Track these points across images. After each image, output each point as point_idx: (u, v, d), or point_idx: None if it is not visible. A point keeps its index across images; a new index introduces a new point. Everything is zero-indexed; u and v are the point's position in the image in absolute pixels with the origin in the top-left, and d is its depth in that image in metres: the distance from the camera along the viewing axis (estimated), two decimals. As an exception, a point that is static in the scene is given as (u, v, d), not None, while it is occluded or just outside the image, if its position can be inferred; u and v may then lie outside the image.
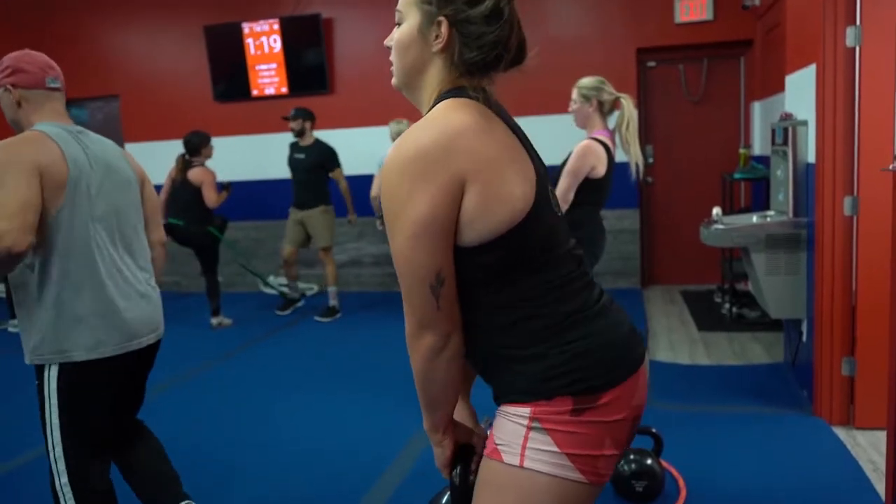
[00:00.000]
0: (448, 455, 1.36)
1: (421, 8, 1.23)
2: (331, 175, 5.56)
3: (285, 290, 6.50)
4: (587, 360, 1.19)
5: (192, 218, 5.29)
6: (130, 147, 7.02)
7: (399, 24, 1.27)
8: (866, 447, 2.91)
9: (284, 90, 6.61)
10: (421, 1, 1.23)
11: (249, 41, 6.57)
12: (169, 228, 5.12)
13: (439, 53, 1.24)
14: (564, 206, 3.06)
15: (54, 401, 1.95)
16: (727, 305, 5.15)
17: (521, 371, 1.21)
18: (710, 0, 5.77)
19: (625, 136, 3.01)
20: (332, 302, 5.70)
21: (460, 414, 1.44)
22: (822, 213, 3.09)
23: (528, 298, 1.20)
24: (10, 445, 3.33)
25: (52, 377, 1.95)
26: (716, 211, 3.74)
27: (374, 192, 5.62)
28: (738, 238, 3.52)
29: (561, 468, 1.18)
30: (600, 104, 3.10)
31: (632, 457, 2.55)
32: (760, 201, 5.16)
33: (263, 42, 6.55)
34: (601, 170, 3.03)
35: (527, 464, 1.19)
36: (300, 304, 6.00)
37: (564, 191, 3.04)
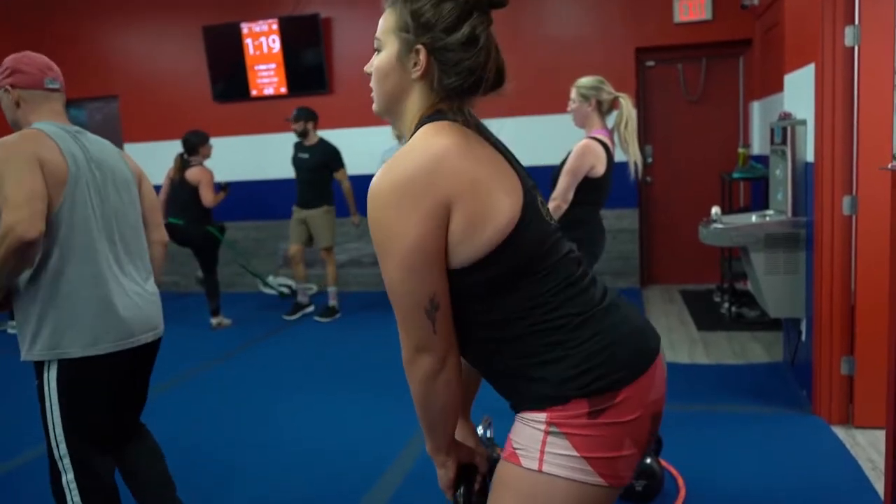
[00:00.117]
0: (451, 476, 1.36)
1: (399, 36, 1.24)
2: (335, 175, 5.56)
3: (285, 290, 6.51)
4: (599, 360, 1.19)
5: (191, 217, 5.29)
6: (130, 147, 7.02)
7: (378, 52, 1.29)
8: (865, 446, 2.92)
9: (283, 90, 6.62)
10: (399, 29, 1.24)
11: (248, 41, 6.57)
12: (169, 228, 5.12)
13: (418, 80, 1.25)
14: (564, 206, 3.06)
15: (55, 398, 1.96)
16: (726, 305, 5.15)
17: (535, 379, 1.20)
18: (708, 0, 5.78)
19: (623, 136, 3.01)
20: (332, 302, 5.70)
21: (461, 433, 1.45)
22: (820, 213, 3.10)
23: (531, 308, 1.20)
24: (10, 445, 3.33)
25: (51, 376, 1.96)
26: (715, 210, 3.74)
27: None
28: (738, 237, 3.52)
29: (580, 472, 1.18)
30: (599, 103, 3.10)
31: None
32: (759, 201, 5.16)
33: (262, 42, 6.55)
34: (600, 169, 3.03)
35: (545, 468, 1.19)
36: (309, 309, 5.93)
37: (564, 190, 3.04)
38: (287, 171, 5.91)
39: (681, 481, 2.65)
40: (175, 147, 5.56)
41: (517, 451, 1.22)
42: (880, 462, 2.73)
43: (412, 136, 1.23)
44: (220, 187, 5.53)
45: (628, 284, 6.20)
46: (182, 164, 5.38)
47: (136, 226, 2.14)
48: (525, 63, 6.07)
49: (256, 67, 6.63)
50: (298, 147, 5.63)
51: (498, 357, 1.24)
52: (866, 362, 3.02)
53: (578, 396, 1.18)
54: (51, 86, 2.01)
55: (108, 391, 2.06)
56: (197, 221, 5.32)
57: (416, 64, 1.24)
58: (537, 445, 1.19)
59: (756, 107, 5.76)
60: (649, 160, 6.28)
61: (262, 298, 6.59)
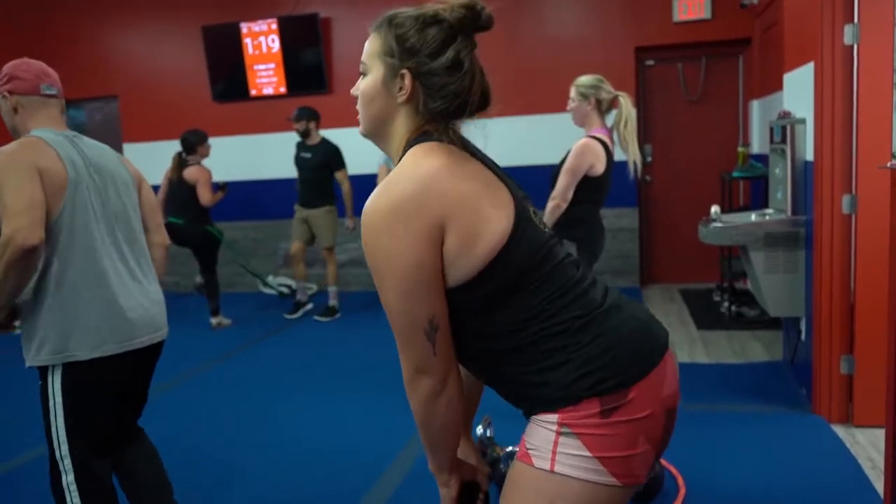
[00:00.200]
0: (454, 495, 1.37)
1: (384, 60, 1.26)
2: (335, 176, 5.54)
3: (284, 290, 6.51)
4: (606, 358, 1.19)
5: (190, 217, 5.28)
6: (129, 147, 7.02)
7: (363, 75, 1.30)
8: (865, 445, 2.92)
9: (283, 90, 6.61)
10: (384, 53, 1.26)
11: (248, 41, 6.57)
12: (168, 228, 5.11)
13: (404, 104, 1.26)
14: (564, 205, 3.06)
15: (59, 400, 1.97)
16: (726, 304, 5.15)
17: (542, 384, 1.21)
18: (708, -1, 5.79)
19: (623, 135, 3.01)
20: (332, 302, 5.70)
21: (462, 451, 1.45)
22: (820, 211, 3.10)
23: (533, 316, 1.20)
24: (10, 445, 3.33)
25: (56, 378, 1.97)
26: (714, 209, 3.74)
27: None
28: (737, 236, 3.52)
29: (593, 473, 1.18)
30: (598, 102, 3.10)
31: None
32: (759, 200, 5.16)
33: (262, 42, 6.54)
34: (600, 168, 3.03)
35: (558, 468, 1.19)
36: (309, 306, 5.95)
37: (563, 189, 3.04)
38: (286, 171, 5.91)
39: (680, 480, 2.65)
40: (175, 147, 5.56)
41: (530, 452, 1.22)
42: (880, 461, 2.73)
43: (401, 158, 1.24)
44: (217, 187, 5.52)
45: (628, 283, 6.20)
46: (180, 163, 5.38)
47: (138, 227, 2.15)
48: (525, 62, 6.07)
49: (256, 67, 6.63)
50: (301, 147, 5.63)
51: (502, 367, 1.25)
52: (866, 361, 3.02)
53: (589, 396, 1.18)
54: (47, 91, 2.03)
55: (112, 392, 2.08)
56: (195, 221, 5.32)
57: (401, 88, 1.25)
58: (549, 446, 1.19)
59: (756, 105, 5.76)
60: (649, 159, 6.28)
61: (262, 298, 6.59)
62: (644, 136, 6.20)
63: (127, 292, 2.03)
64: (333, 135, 5.87)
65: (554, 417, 1.20)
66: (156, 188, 5.25)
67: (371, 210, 1.17)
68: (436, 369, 1.20)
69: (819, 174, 3.08)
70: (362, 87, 1.30)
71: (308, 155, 5.54)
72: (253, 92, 6.70)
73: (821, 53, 3.02)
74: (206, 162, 5.47)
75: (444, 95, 1.23)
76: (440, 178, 1.17)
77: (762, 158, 5.08)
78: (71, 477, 1.99)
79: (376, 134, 1.32)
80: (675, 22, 5.88)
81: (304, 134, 5.53)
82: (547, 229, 1.30)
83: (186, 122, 6.12)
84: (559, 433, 1.19)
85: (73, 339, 1.94)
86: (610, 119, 3.15)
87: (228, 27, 6.57)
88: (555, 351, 1.20)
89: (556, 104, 5.27)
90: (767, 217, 3.57)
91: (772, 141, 3.72)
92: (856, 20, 2.92)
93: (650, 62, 6.23)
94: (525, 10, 6.11)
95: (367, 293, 6.45)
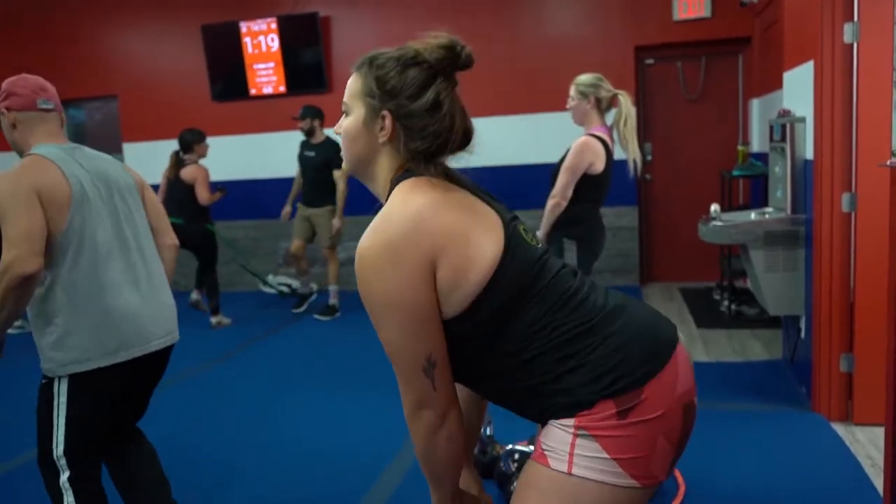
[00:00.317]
0: None
1: (365, 101, 1.28)
2: (334, 174, 5.51)
3: (284, 289, 6.51)
4: (616, 359, 1.19)
5: (188, 216, 5.28)
6: (129, 147, 7.02)
7: (346, 114, 1.33)
8: (865, 443, 2.92)
9: (282, 89, 6.61)
10: (365, 94, 1.28)
11: (247, 40, 6.57)
12: (169, 228, 5.12)
13: (385, 144, 1.28)
14: (563, 203, 3.06)
15: (63, 401, 1.99)
16: (726, 302, 5.15)
17: (556, 392, 1.21)
18: (707, -3, 5.78)
19: (623, 133, 3.01)
20: (333, 301, 5.70)
21: (464, 482, 1.46)
22: (820, 210, 3.10)
23: (537, 331, 1.21)
24: (10, 445, 3.33)
25: (63, 381, 2.00)
26: (714, 208, 3.74)
27: None
28: (737, 235, 3.52)
29: (611, 475, 1.18)
30: (598, 101, 3.09)
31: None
32: (759, 198, 5.16)
33: (261, 41, 6.54)
34: (599, 166, 3.03)
35: (575, 471, 1.18)
36: (313, 297, 6.00)
37: (563, 187, 3.04)
38: (286, 170, 5.90)
39: (680, 478, 2.65)
40: (175, 147, 5.55)
41: (546, 453, 1.22)
42: (879, 459, 2.73)
43: (388, 195, 1.26)
44: (216, 189, 5.52)
45: (628, 282, 6.20)
46: (177, 161, 5.38)
47: (146, 233, 2.18)
48: (525, 61, 6.07)
49: (255, 66, 6.63)
50: (305, 145, 5.63)
51: (513, 384, 1.25)
52: (865, 359, 3.02)
53: (604, 398, 1.18)
54: (44, 106, 2.05)
55: (117, 396, 2.10)
56: (194, 220, 5.31)
57: (382, 128, 1.27)
58: (566, 448, 1.19)
59: (755, 104, 5.75)
60: (649, 158, 6.28)
61: (262, 297, 6.59)
62: (644, 134, 6.20)
63: (137, 299, 2.06)
64: (332, 134, 5.87)
65: (571, 422, 1.20)
66: (155, 188, 5.25)
67: (364, 250, 1.19)
68: (436, 404, 1.22)
69: (819, 172, 3.08)
70: (344, 126, 1.33)
71: (312, 153, 5.54)
72: (252, 91, 6.69)
73: (821, 52, 3.02)
74: (205, 161, 5.47)
75: (424, 136, 1.25)
76: (428, 214, 1.18)
77: (762, 157, 5.07)
78: (67, 475, 2.00)
79: (360, 172, 1.35)
80: (675, 20, 5.88)
81: (309, 132, 5.54)
82: (540, 245, 1.31)
83: (186, 121, 6.11)
84: (576, 435, 1.19)
85: (83, 349, 1.97)
86: (610, 118, 3.15)
87: (228, 26, 6.57)
88: (564, 359, 1.20)
89: (555, 103, 5.26)
90: (767, 215, 3.57)
91: (771, 139, 3.72)
92: (856, 18, 2.92)
93: (650, 61, 6.23)
94: (525, 9, 6.10)
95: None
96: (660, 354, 1.22)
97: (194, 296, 5.72)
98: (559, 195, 3.05)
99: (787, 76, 3.69)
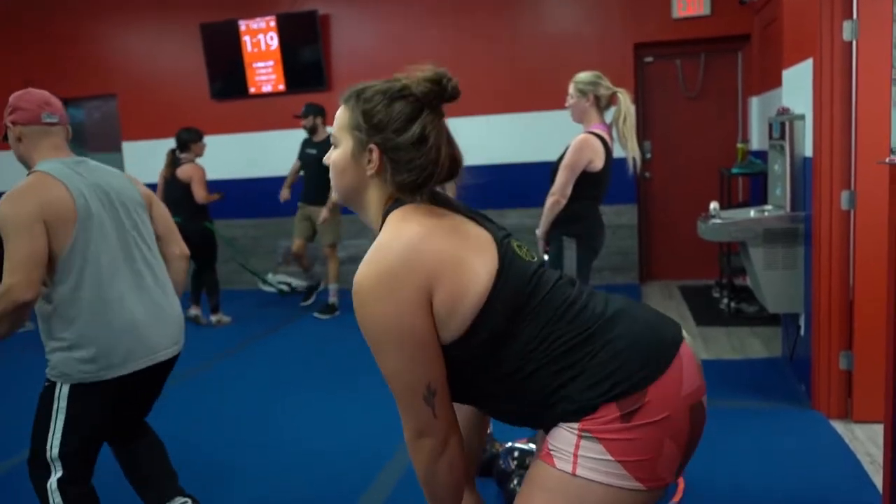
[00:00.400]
0: None
1: (352, 134, 1.30)
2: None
3: (284, 287, 6.51)
4: (616, 364, 1.20)
5: (186, 215, 5.27)
6: (128, 146, 7.01)
7: (335, 147, 1.34)
8: (864, 440, 2.92)
9: (282, 87, 6.60)
10: (352, 127, 1.30)
11: (246, 38, 6.56)
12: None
13: (374, 176, 1.29)
14: (563, 201, 3.06)
15: (63, 405, 2.01)
16: (725, 300, 5.16)
17: (561, 399, 1.21)
18: (707, -5, 5.78)
19: (622, 131, 3.01)
20: (332, 299, 5.70)
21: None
22: (819, 207, 3.10)
23: (537, 345, 1.22)
24: (10, 445, 3.33)
25: (65, 386, 2.02)
26: (713, 205, 3.74)
27: None
28: (736, 232, 3.52)
29: (616, 477, 1.18)
30: (597, 99, 3.10)
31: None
32: (758, 196, 5.15)
33: (260, 39, 6.53)
34: (598, 163, 3.03)
35: (580, 472, 1.19)
36: (320, 287, 6.08)
37: (562, 185, 3.04)
38: (286, 169, 5.90)
39: (679, 476, 2.65)
40: (173, 145, 5.55)
41: (552, 452, 1.23)
42: (879, 456, 2.73)
43: (380, 224, 1.28)
44: (214, 191, 5.51)
45: (627, 280, 6.21)
46: (173, 160, 5.38)
47: (152, 245, 2.20)
48: (524, 59, 6.06)
49: (254, 65, 6.62)
50: (307, 143, 5.63)
51: (517, 398, 1.26)
52: (865, 357, 3.02)
53: (605, 401, 1.18)
54: (48, 120, 2.06)
55: (119, 402, 2.13)
56: (192, 219, 5.31)
57: (369, 161, 1.28)
58: (571, 448, 1.20)
59: (755, 102, 5.75)
60: (648, 156, 6.27)
61: (262, 296, 6.59)
62: (643, 132, 6.19)
63: (143, 312, 2.08)
64: (329, 132, 5.87)
65: (576, 425, 1.20)
66: (153, 187, 5.24)
67: (360, 281, 1.20)
68: (437, 432, 1.23)
69: (818, 170, 3.08)
70: (333, 158, 1.34)
71: (314, 151, 5.54)
72: (252, 90, 6.69)
73: (820, 49, 3.02)
74: (205, 160, 5.46)
75: (411, 169, 1.26)
76: (422, 242, 1.20)
77: (761, 155, 5.07)
78: (58, 476, 2.03)
79: (351, 202, 1.36)
80: (675, 18, 5.88)
81: (311, 130, 5.54)
82: (535, 258, 1.32)
83: (185, 120, 6.11)
84: (580, 436, 1.19)
85: (89, 362, 1.99)
86: (609, 116, 3.15)
87: (227, 25, 6.56)
88: (563, 371, 1.21)
89: (555, 101, 5.26)
90: (766, 213, 3.57)
91: (771, 137, 3.72)
92: (854, 16, 2.92)
93: (649, 59, 6.22)
94: (524, 7, 6.10)
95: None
96: (661, 357, 1.22)
97: (193, 311, 5.68)
98: (558, 193, 3.05)
99: (787, 74, 3.69)
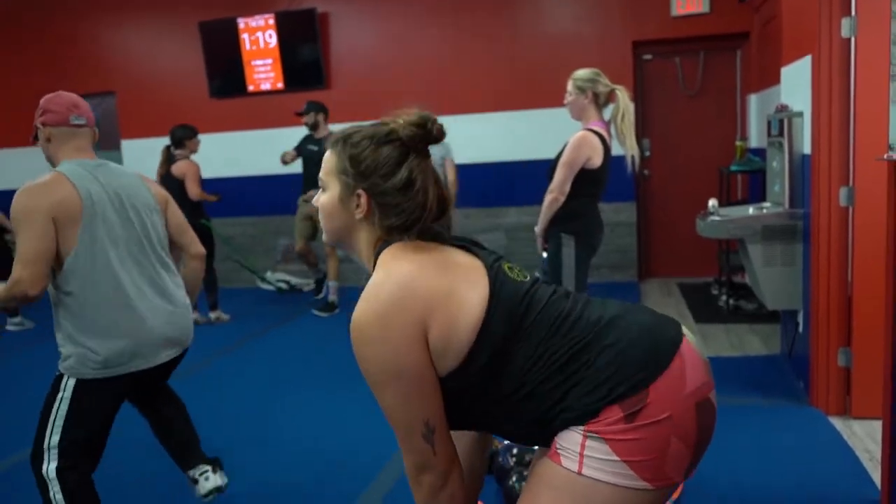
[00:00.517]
0: None
1: (340, 179, 1.31)
2: None
3: (283, 285, 6.51)
4: (613, 368, 1.20)
5: (182, 212, 5.26)
6: (127, 144, 7.01)
7: (323, 190, 1.35)
8: (862, 437, 2.93)
9: (280, 85, 6.60)
10: (339, 172, 1.31)
11: (245, 37, 6.55)
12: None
13: (363, 220, 1.31)
14: (561, 198, 3.06)
15: (67, 395, 2.06)
16: (724, 297, 5.16)
17: (563, 409, 1.22)
18: (705, -7, 5.78)
19: (620, 128, 3.01)
20: (332, 297, 5.70)
21: None
22: (817, 204, 3.10)
23: (534, 362, 1.22)
24: (10, 444, 3.33)
25: (71, 379, 2.07)
26: (712, 203, 3.75)
27: None
28: (735, 230, 3.53)
29: (622, 477, 1.18)
30: (596, 96, 3.10)
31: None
32: (757, 193, 5.16)
33: (259, 37, 6.53)
34: (597, 160, 3.03)
35: (586, 471, 1.19)
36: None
37: (561, 182, 3.04)
38: (285, 167, 5.90)
39: (679, 473, 2.66)
40: (172, 144, 5.55)
41: (558, 451, 1.23)
42: (877, 452, 2.74)
43: (373, 264, 1.30)
44: (211, 193, 5.51)
45: (626, 278, 6.21)
46: (168, 157, 5.37)
47: (164, 246, 2.26)
48: (523, 57, 6.06)
49: (253, 63, 6.62)
50: (308, 140, 5.63)
51: (519, 416, 1.26)
52: (863, 353, 3.03)
53: (607, 404, 1.18)
54: (76, 122, 2.14)
55: (122, 397, 2.19)
56: (188, 216, 5.28)
57: (358, 206, 1.30)
58: (576, 448, 1.20)
59: (754, 100, 5.76)
60: (647, 153, 6.28)
61: (260, 293, 6.59)
62: (642, 130, 6.19)
63: (152, 311, 2.14)
64: (336, 129, 5.87)
65: (580, 428, 1.21)
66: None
67: (357, 320, 1.22)
68: (437, 467, 1.24)
69: (816, 167, 3.09)
70: (321, 202, 1.36)
71: (315, 148, 5.54)
72: (250, 88, 6.69)
73: (818, 47, 3.02)
74: (204, 157, 5.46)
75: (399, 213, 1.29)
76: (414, 280, 1.22)
77: (760, 152, 5.08)
78: (55, 465, 2.06)
79: (341, 244, 1.39)
80: (674, 16, 5.88)
81: (313, 127, 5.55)
82: (527, 278, 1.33)
83: (184, 118, 6.10)
84: (586, 436, 1.19)
85: (97, 359, 2.04)
86: (607, 113, 3.15)
87: (225, 23, 6.56)
88: (560, 384, 1.21)
89: (554, 99, 5.25)
90: (765, 210, 3.57)
91: (769, 134, 3.73)
92: (853, 13, 2.92)
93: (648, 56, 6.22)
94: (524, 5, 6.10)
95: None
96: (659, 358, 1.22)
97: (193, 315, 5.70)
98: (557, 190, 3.06)
99: (785, 71, 3.69)
